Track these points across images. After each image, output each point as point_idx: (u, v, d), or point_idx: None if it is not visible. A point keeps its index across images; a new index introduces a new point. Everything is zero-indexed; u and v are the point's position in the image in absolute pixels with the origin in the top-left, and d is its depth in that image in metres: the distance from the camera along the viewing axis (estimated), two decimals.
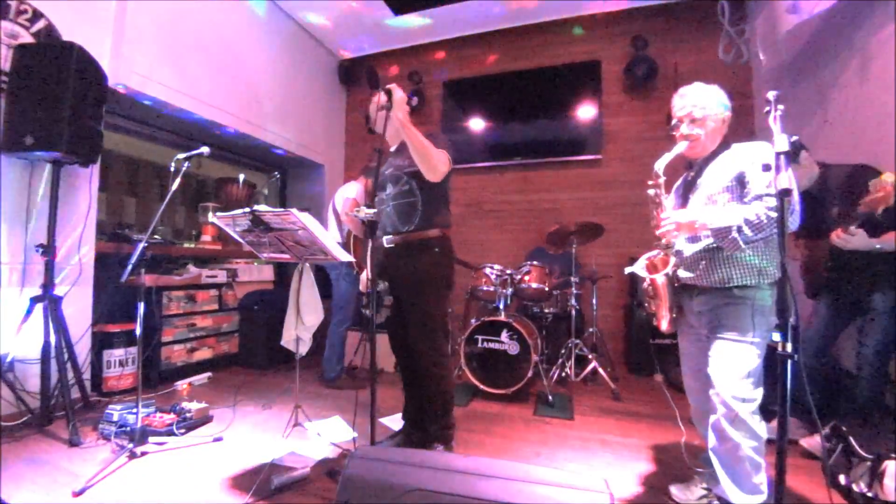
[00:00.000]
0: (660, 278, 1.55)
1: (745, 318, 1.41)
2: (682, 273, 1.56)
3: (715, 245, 1.44)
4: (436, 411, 2.00)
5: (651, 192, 1.59)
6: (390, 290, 2.05)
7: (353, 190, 3.14)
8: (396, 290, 2.04)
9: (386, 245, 1.98)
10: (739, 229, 1.33)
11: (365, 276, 2.23)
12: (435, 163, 1.80)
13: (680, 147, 1.56)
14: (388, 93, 1.74)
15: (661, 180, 1.58)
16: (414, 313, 1.97)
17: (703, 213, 1.45)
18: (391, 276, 2.00)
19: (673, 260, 1.55)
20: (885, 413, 2.08)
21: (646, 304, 1.65)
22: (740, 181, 1.43)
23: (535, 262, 3.26)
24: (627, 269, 1.66)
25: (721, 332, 1.45)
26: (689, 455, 1.88)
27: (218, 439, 2.14)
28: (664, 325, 1.59)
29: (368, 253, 1.71)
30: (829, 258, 2.11)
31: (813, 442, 2.03)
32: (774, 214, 1.28)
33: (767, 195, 1.31)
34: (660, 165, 1.57)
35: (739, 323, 1.42)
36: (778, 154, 1.05)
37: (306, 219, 1.75)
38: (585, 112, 4.22)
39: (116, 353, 2.76)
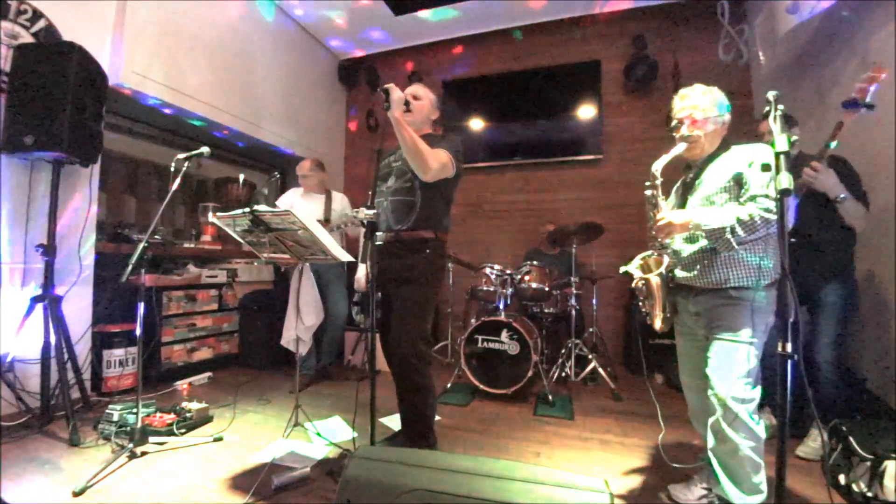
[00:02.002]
0: (654, 278, 1.56)
1: (742, 318, 1.41)
2: (679, 273, 1.56)
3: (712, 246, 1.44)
4: (411, 417, 1.94)
5: (648, 192, 1.59)
6: (379, 289, 1.99)
7: (282, 199, 3.30)
8: (384, 288, 1.98)
9: (378, 242, 1.93)
10: (732, 230, 1.33)
11: (362, 276, 2.24)
12: (426, 160, 1.75)
13: (679, 148, 1.56)
14: (387, 92, 1.73)
15: (658, 181, 1.58)
16: (396, 312, 1.92)
17: (697, 213, 1.45)
18: (380, 275, 1.93)
19: (666, 260, 1.55)
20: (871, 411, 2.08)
21: (640, 304, 1.66)
22: (738, 182, 1.43)
23: (535, 263, 3.26)
24: (622, 269, 1.66)
25: (718, 332, 1.45)
26: (667, 454, 1.90)
27: (218, 439, 2.14)
28: (658, 324, 1.60)
29: (368, 253, 1.71)
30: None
31: (806, 448, 2.03)
32: (767, 215, 1.28)
33: (761, 196, 1.31)
34: (657, 167, 1.57)
35: (736, 323, 1.42)
36: (778, 154, 1.05)
37: (306, 219, 1.75)
38: (585, 112, 4.22)
39: (116, 353, 2.76)
